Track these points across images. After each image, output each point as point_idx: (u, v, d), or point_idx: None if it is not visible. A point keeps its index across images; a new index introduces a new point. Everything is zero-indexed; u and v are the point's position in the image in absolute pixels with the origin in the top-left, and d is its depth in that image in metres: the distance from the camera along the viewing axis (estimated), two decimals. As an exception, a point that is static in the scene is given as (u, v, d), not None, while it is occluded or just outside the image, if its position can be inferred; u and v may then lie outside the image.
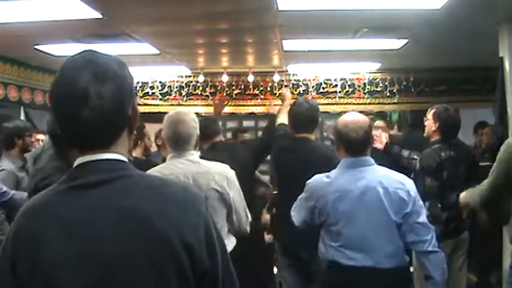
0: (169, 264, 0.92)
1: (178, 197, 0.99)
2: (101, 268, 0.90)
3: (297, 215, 2.34)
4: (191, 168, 2.29)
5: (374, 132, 2.63)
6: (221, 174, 2.33)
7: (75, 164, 0.99)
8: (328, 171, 2.25)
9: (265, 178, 4.67)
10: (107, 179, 0.95)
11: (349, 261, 2.09)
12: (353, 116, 2.27)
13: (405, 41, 4.37)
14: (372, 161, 2.22)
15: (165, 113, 2.44)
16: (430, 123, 3.13)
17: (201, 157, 2.41)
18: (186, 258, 0.93)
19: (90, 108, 0.92)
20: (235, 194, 2.37)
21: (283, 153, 3.01)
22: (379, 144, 3.34)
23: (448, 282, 3.02)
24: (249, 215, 2.47)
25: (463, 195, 2.80)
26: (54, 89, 0.96)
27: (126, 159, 1.00)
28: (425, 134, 3.26)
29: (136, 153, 3.44)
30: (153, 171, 2.30)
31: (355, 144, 2.18)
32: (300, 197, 2.33)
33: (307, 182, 2.27)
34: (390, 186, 2.12)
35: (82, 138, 0.97)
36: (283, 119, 3.22)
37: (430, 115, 3.17)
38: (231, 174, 2.38)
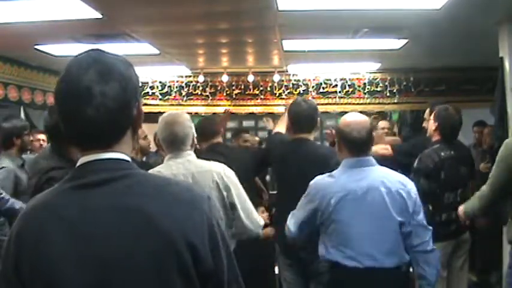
0: (172, 264, 0.92)
1: (182, 197, 0.98)
2: (101, 268, 0.90)
3: (295, 217, 2.30)
4: (190, 167, 2.27)
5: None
6: (220, 173, 2.29)
7: (79, 163, 0.98)
8: (330, 171, 2.25)
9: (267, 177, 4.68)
10: (110, 178, 0.94)
11: (352, 262, 2.09)
12: (355, 116, 2.27)
13: (405, 41, 4.37)
14: (374, 161, 2.22)
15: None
16: (430, 123, 3.13)
17: (198, 157, 2.38)
18: (190, 258, 0.93)
19: (94, 107, 0.92)
20: (239, 192, 2.31)
21: (282, 156, 2.99)
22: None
23: (449, 281, 3.04)
24: (261, 218, 2.41)
25: (460, 209, 2.79)
26: (58, 87, 0.96)
27: (129, 159, 1.00)
28: (427, 134, 3.26)
29: None
30: (151, 172, 2.30)
31: (358, 144, 2.18)
32: (301, 200, 2.30)
33: (310, 183, 2.26)
34: (393, 186, 2.12)
35: (86, 137, 0.97)
36: (280, 128, 3.21)
37: (431, 115, 3.17)
38: (231, 173, 2.35)
